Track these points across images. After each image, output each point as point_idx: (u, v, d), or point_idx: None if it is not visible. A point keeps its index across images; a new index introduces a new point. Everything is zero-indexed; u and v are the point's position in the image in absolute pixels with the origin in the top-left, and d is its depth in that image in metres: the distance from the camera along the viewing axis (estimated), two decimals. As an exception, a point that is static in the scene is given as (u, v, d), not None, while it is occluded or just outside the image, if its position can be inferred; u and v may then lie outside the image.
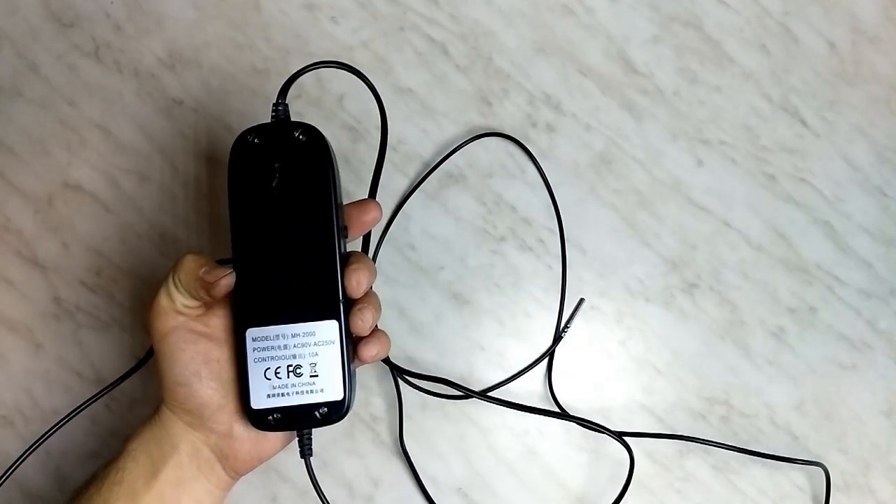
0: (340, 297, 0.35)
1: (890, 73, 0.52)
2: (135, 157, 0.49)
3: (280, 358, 0.34)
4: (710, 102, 0.52)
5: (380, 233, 0.49)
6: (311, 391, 0.34)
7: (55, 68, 0.50)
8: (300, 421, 0.35)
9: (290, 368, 0.34)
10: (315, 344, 0.34)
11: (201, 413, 0.35)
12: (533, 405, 0.48)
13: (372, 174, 0.40)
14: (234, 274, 0.34)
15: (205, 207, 0.49)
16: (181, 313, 0.35)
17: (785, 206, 0.51)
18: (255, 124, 0.35)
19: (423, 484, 0.46)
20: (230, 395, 0.35)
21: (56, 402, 0.46)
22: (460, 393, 0.46)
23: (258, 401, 0.34)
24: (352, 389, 0.35)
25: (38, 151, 0.49)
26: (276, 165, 0.35)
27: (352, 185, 0.49)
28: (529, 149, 0.50)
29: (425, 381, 0.47)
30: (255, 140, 0.35)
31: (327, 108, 0.50)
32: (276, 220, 0.35)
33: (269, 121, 0.36)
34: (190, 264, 0.34)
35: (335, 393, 0.34)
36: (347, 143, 0.50)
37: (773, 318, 0.50)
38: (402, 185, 0.50)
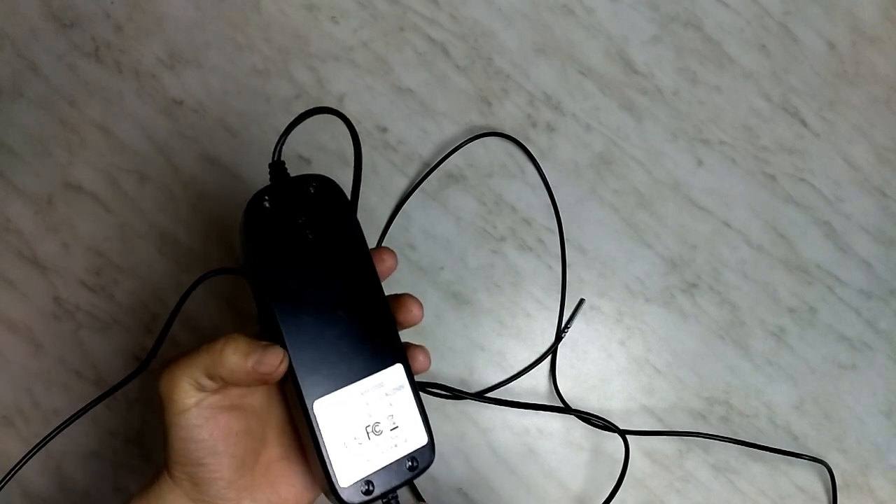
0: (399, 339, 0.33)
1: (890, 73, 0.52)
2: (135, 157, 0.49)
3: (356, 422, 0.31)
4: (710, 102, 0.52)
5: (380, 233, 0.49)
6: (396, 445, 0.32)
7: (55, 68, 0.50)
8: (392, 481, 0.32)
9: (369, 429, 0.32)
10: (386, 395, 0.32)
11: (209, 488, 0.32)
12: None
13: (352, 194, 0.37)
14: (285, 353, 0.31)
15: (204, 208, 0.49)
16: (203, 390, 0.32)
17: (785, 207, 0.51)
18: (263, 187, 0.33)
19: (415, 486, 0.46)
20: (244, 468, 0.33)
21: (56, 402, 0.46)
22: (459, 393, 0.46)
23: (345, 476, 0.31)
24: (431, 428, 0.33)
25: (39, 151, 0.49)
26: (301, 222, 0.32)
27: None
28: (529, 149, 0.50)
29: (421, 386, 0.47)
30: (270, 202, 0.32)
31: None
32: (315, 278, 0.32)
33: (269, 181, 0.33)
34: (233, 358, 0.30)
35: (419, 439, 0.32)
36: (347, 143, 0.50)
37: (773, 318, 0.50)
38: (402, 185, 0.50)
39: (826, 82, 0.52)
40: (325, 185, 0.33)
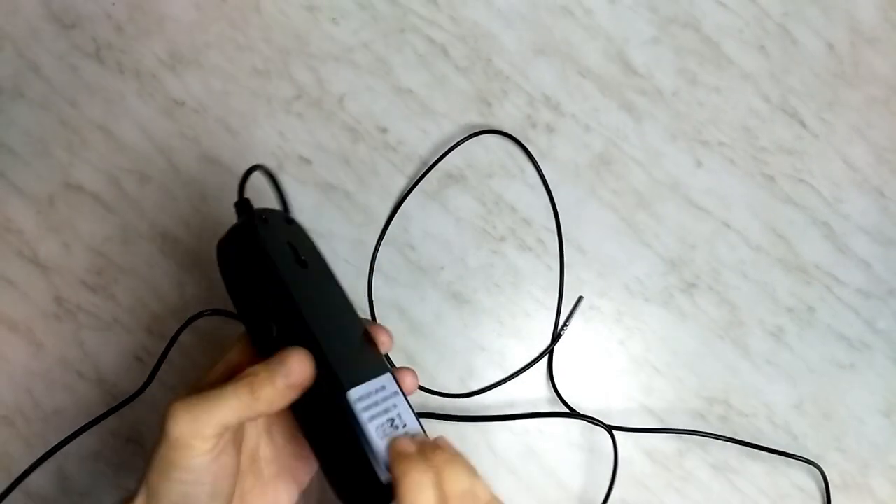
0: (381, 355, 0.35)
1: (888, 73, 0.53)
2: (136, 157, 0.49)
3: (382, 413, 0.31)
4: (710, 103, 0.52)
5: (379, 233, 0.49)
6: None
7: (56, 69, 0.50)
8: None
9: (391, 422, 0.31)
10: (389, 397, 0.33)
11: None
12: (534, 404, 0.48)
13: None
14: (303, 351, 0.30)
15: (205, 208, 0.49)
16: (222, 435, 0.30)
17: (784, 207, 0.51)
18: (263, 207, 0.35)
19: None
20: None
21: (57, 402, 0.46)
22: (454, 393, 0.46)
23: (384, 467, 0.30)
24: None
25: (40, 152, 0.49)
26: (286, 246, 0.34)
27: (352, 186, 0.50)
28: (529, 149, 0.50)
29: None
30: (262, 224, 0.34)
31: (327, 108, 0.50)
32: (310, 291, 0.33)
33: (239, 219, 0.34)
34: (267, 391, 0.29)
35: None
36: (347, 143, 0.50)
37: (771, 318, 0.50)
38: (402, 185, 0.50)
39: (825, 83, 0.52)
40: (289, 218, 0.36)
